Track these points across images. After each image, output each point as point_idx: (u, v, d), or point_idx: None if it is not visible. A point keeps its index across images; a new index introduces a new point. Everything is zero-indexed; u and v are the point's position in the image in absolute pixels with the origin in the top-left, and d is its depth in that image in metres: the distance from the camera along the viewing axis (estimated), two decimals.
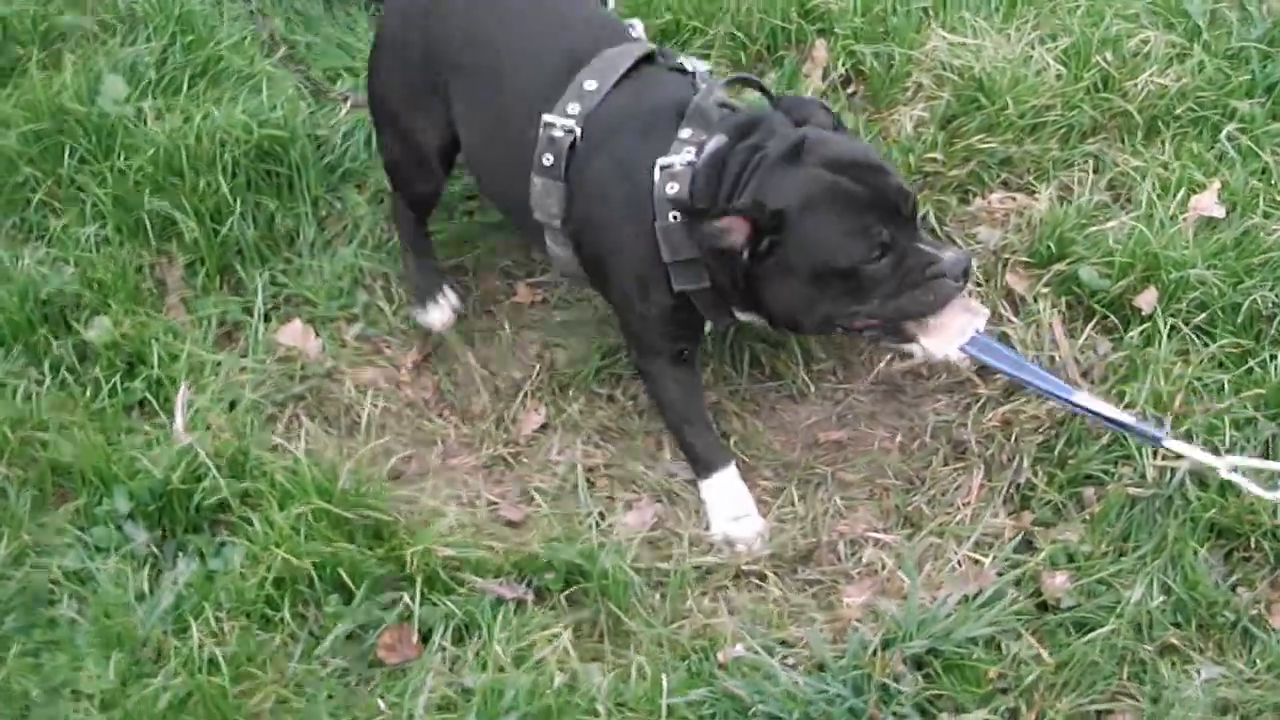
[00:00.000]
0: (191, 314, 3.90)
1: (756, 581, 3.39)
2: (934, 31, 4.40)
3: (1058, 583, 3.28)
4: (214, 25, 4.38)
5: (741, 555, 3.42)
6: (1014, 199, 4.09)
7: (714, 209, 3.18)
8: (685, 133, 3.31)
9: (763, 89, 3.58)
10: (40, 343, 3.73)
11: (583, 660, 3.16)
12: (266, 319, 3.91)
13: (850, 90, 4.41)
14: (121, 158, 3.99)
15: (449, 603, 3.22)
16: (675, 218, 3.25)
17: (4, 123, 4.08)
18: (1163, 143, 4.12)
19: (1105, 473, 3.45)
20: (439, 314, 3.89)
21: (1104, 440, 3.47)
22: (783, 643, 3.21)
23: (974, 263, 3.30)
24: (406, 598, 3.21)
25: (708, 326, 3.59)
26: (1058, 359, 3.70)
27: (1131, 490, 3.38)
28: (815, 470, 3.66)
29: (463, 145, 3.67)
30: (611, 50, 3.48)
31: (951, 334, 3.27)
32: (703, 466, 3.55)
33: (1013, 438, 3.56)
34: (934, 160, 4.15)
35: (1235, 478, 3.19)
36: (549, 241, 3.55)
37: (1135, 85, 4.22)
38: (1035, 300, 3.80)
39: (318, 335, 3.92)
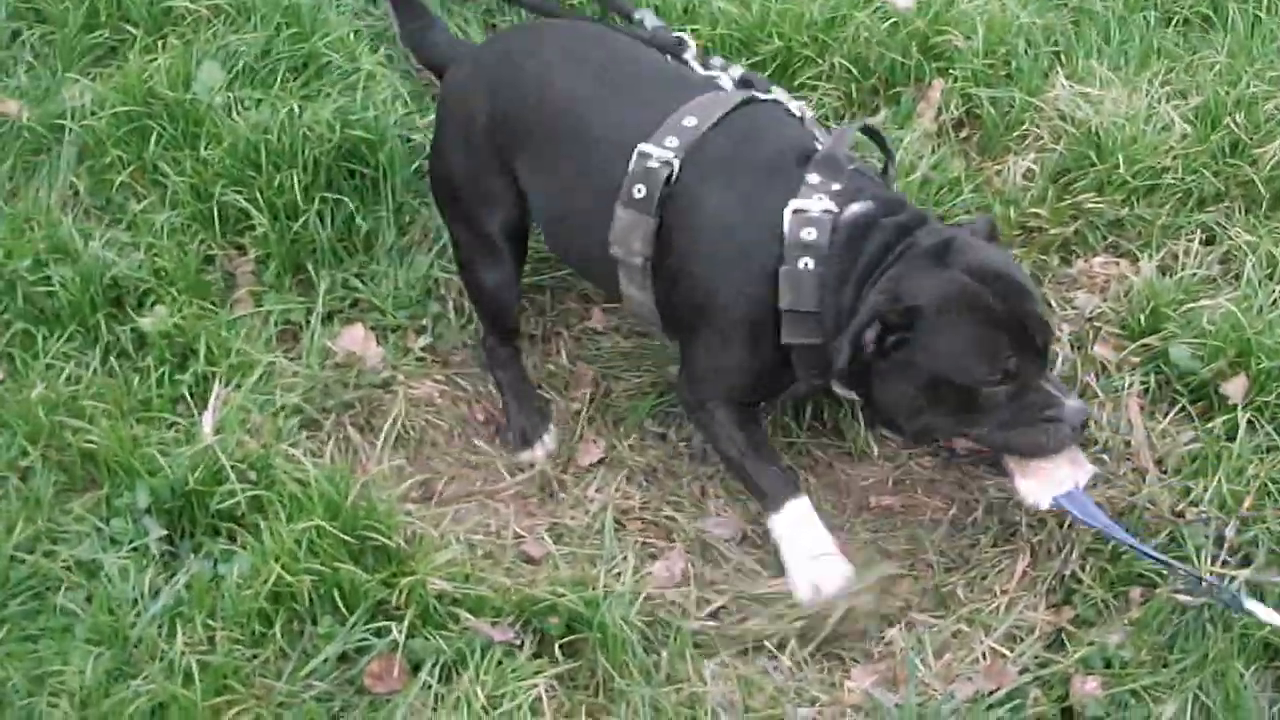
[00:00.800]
0: (257, 310, 3.85)
1: (773, 650, 3.20)
2: (1058, 79, 4.15)
3: (1088, 689, 3.04)
4: (321, 18, 4.33)
5: (820, 605, 3.22)
6: (1116, 264, 3.82)
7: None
8: (814, 178, 3.15)
9: (883, 143, 3.42)
10: (97, 326, 3.72)
11: (559, 715, 3.02)
12: (330, 322, 3.85)
13: (961, 134, 4.17)
14: (204, 146, 3.97)
15: (440, 638, 3.11)
16: (806, 265, 3.09)
17: (100, 103, 4.09)
18: None
19: (1158, 574, 3.18)
20: (540, 453, 3.67)
21: (1161, 538, 3.20)
22: None
23: (1090, 411, 3.16)
24: (395, 628, 3.10)
25: (793, 385, 3.36)
26: (1132, 442, 3.43)
27: (1181, 597, 3.11)
28: (858, 536, 3.45)
29: (533, 205, 3.52)
30: (710, 94, 3.34)
31: (1051, 482, 3.08)
32: (770, 500, 3.30)
33: (1066, 524, 3.31)
34: (1038, 216, 3.90)
35: None
36: (624, 280, 3.35)
37: (1266, 153, 3.91)
38: (1119, 372, 3.54)
39: (380, 343, 3.84)
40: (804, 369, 3.22)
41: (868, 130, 3.45)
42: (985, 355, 2.98)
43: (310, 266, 3.93)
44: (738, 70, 3.51)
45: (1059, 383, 3.11)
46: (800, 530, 3.27)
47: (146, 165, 4.03)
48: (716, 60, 3.57)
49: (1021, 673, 3.08)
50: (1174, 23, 4.41)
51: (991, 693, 3.02)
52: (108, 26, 4.31)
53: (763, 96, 3.37)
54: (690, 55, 3.57)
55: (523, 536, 3.47)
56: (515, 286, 3.68)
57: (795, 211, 3.10)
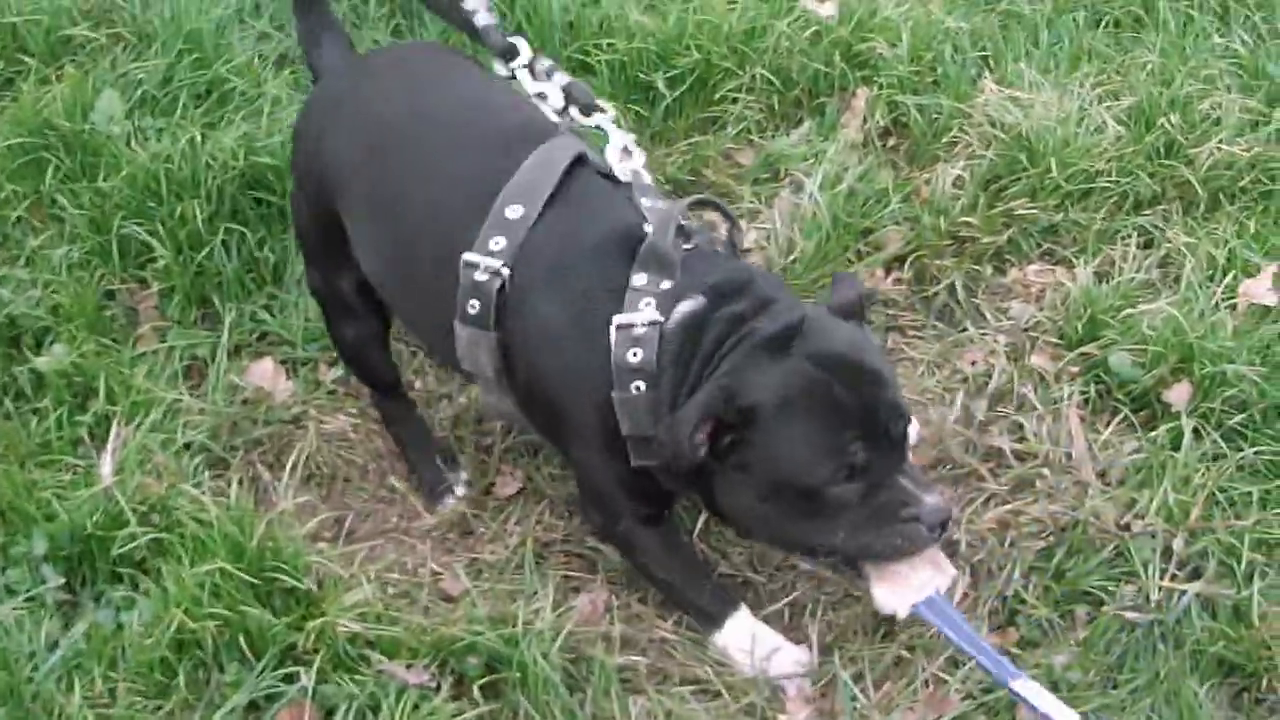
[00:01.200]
0: (160, 345, 3.68)
1: (702, 688, 3.04)
2: (987, 84, 4.04)
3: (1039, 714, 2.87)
4: (224, 43, 4.18)
5: (789, 694, 3.03)
6: (1052, 272, 3.71)
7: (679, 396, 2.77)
8: (639, 279, 2.80)
9: (728, 215, 3.04)
10: None
11: None
12: (238, 356, 3.69)
13: (888, 144, 4.05)
14: (103, 177, 3.81)
15: (353, 682, 2.93)
16: (638, 389, 2.78)
17: None
18: (1224, 218, 3.69)
19: (1104, 589, 3.05)
20: (453, 502, 3.46)
21: (1107, 552, 3.07)
22: None
23: (950, 511, 2.81)
24: (304, 674, 2.93)
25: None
26: (1073, 454, 3.30)
27: (1130, 614, 2.99)
28: (790, 562, 3.30)
29: (373, 281, 3.19)
30: (530, 161, 2.92)
31: (909, 588, 2.80)
32: (710, 620, 3.09)
33: (1007, 542, 3.17)
34: (969, 225, 3.78)
35: None
36: (482, 391, 3.12)
37: (1201, 153, 3.82)
38: (1058, 382, 3.42)
39: (290, 377, 3.68)
40: (669, 484, 2.93)
41: (703, 203, 3.09)
42: (828, 452, 2.67)
43: (216, 299, 3.77)
44: (564, 78, 3.17)
45: (919, 475, 2.80)
46: (744, 640, 3.06)
47: (44, 199, 3.87)
48: (544, 63, 3.19)
49: (965, 699, 2.92)
50: (1104, 24, 4.34)
51: None
52: (2, 58, 4.16)
53: (589, 157, 2.98)
54: (522, 61, 3.20)
55: (440, 574, 3.30)
56: (380, 339, 3.42)
57: (619, 328, 2.78)
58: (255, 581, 3.02)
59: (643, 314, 2.78)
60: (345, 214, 3.13)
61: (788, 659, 3.05)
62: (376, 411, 3.57)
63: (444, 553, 3.36)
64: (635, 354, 2.77)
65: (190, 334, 3.71)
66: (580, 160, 2.94)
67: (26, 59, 4.16)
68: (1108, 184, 3.80)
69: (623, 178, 2.97)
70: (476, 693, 2.94)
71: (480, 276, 2.86)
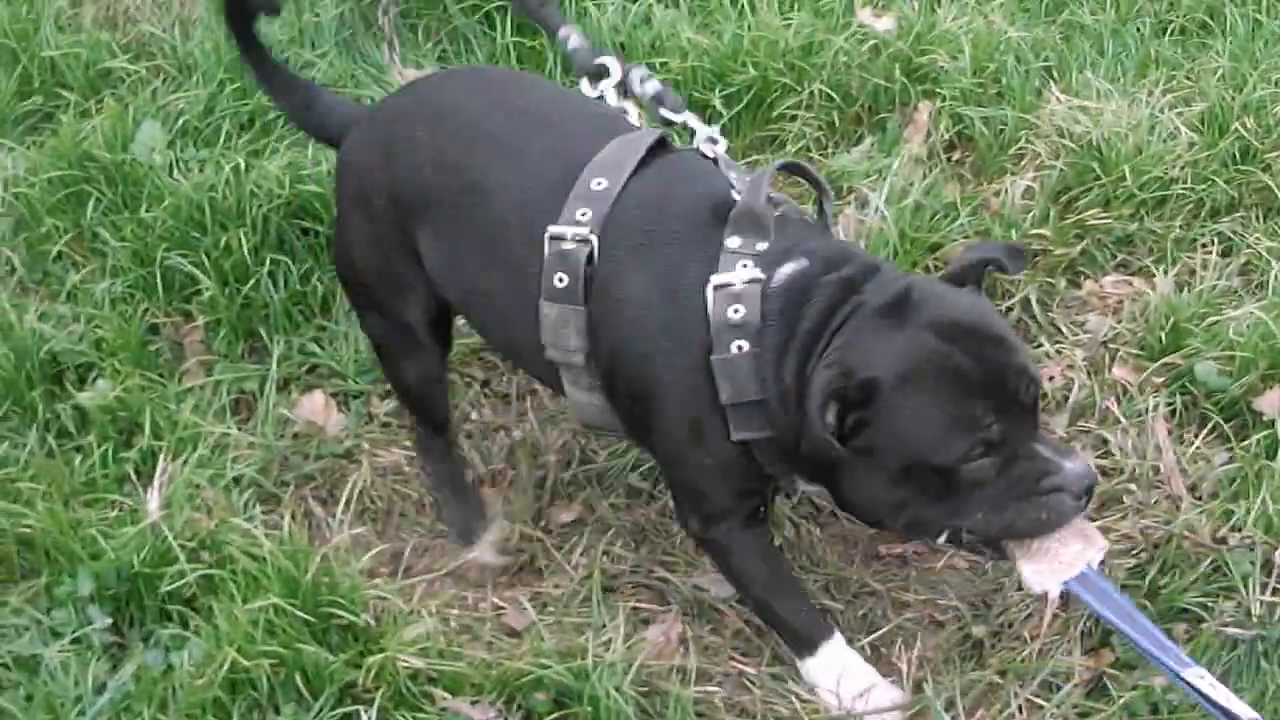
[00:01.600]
0: (207, 380, 3.57)
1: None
2: (1052, 94, 3.91)
3: None
4: None
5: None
6: (1129, 283, 3.57)
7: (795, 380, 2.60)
8: (734, 241, 2.68)
9: (815, 180, 2.90)
10: (34, 404, 3.45)
11: None
12: (287, 390, 3.58)
13: (953, 157, 3.92)
14: (145, 209, 3.72)
15: None
16: (740, 348, 2.62)
17: (32, 170, 3.84)
18: None
19: (1203, 606, 2.89)
20: (488, 553, 3.29)
21: (1203, 567, 2.91)
22: None
23: (1095, 475, 2.66)
24: (364, 713, 2.79)
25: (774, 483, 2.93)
26: (1162, 468, 3.15)
27: (1232, 630, 2.82)
28: (869, 587, 3.15)
29: (451, 292, 3.04)
30: (615, 142, 2.83)
31: (1060, 564, 2.62)
32: (803, 644, 2.92)
33: (1098, 560, 3.01)
34: (1042, 237, 3.65)
35: None
36: (568, 385, 2.90)
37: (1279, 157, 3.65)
38: (1142, 394, 3.27)
39: (341, 411, 3.56)
40: (770, 465, 2.75)
41: (791, 167, 2.96)
42: (961, 427, 2.51)
43: (263, 332, 3.66)
44: (654, 85, 3.06)
45: (1055, 443, 2.66)
46: (837, 672, 2.91)
47: (85, 232, 3.79)
48: (638, 72, 3.08)
49: None
50: (1169, 31, 4.21)
51: None
52: (41, 92, 4.10)
53: (664, 134, 2.89)
54: (612, 82, 3.10)
55: (503, 608, 3.17)
56: (443, 377, 3.29)
57: (717, 287, 2.64)
58: (310, 618, 2.89)
59: (742, 273, 2.64)
60: (422, 229, 2.98)
61: (882, 698, 2.89)
62: (416, 448, 3.43)
63: (506, 587, 3.24)
64: (737, 310, 2.62)
65: (237, 368, 3.60)
66: (663, 142, 2.86)
67: (65, 93, 4.09)
68: (1183, 191, 3.66)
69: (710, 155, 2.89)
70: None
71: (568, 246, 2.74)
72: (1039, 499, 2.55)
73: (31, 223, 3.82)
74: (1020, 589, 3.05)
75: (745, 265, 2.65)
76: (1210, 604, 2.89)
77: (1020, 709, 2.81)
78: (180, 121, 3.96)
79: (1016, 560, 2.63)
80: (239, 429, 3.45)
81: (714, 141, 2.91)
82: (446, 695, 2.83)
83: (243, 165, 3.75)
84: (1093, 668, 2.87)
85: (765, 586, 2.94)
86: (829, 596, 3.16)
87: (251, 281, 3.65)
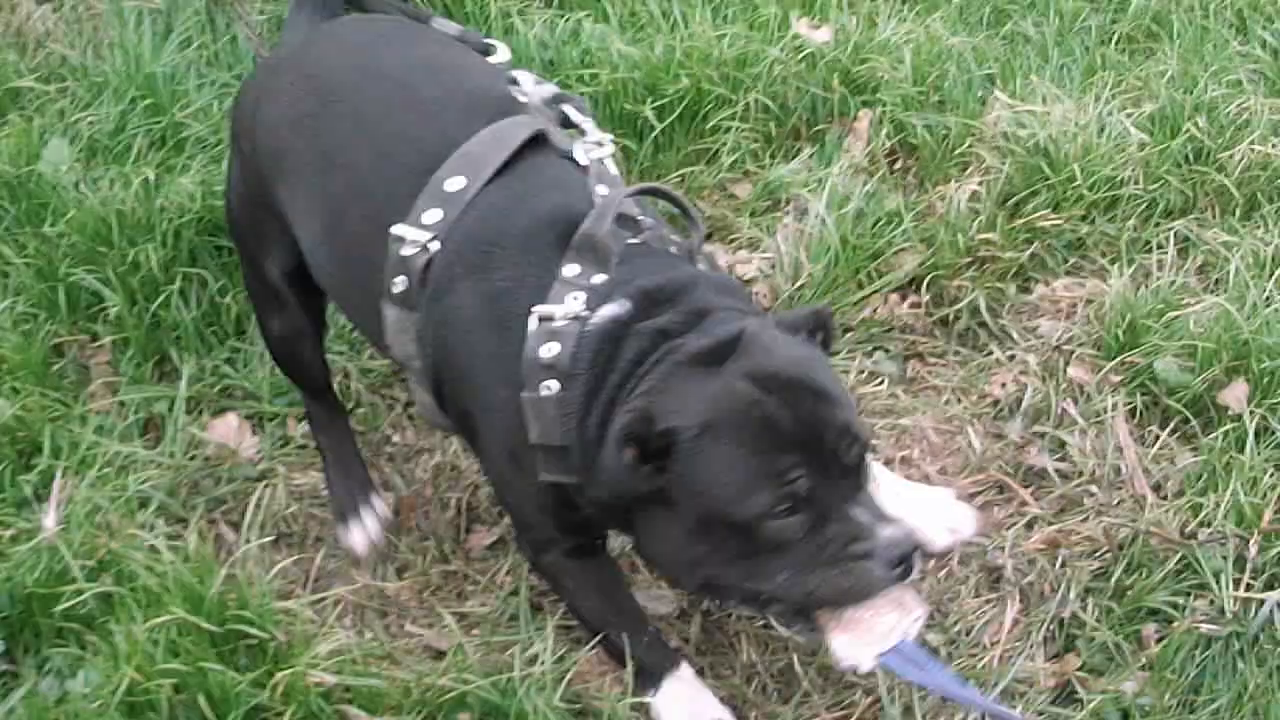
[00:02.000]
0: (113, 399, 3.35)
1: None
2: (997, 101, 3.78)
3: None
4: (180, 89, 3.91)
5: None
6: (1082, 285, 3.42)
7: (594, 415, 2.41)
8: (571, 270, 2.48)
9: (682, 207, 2.67)
10: None
11: None
12: (199, 413, 3.36)
13: (895, 165, 3.78)
14: (49, 224, 3.51)
15: None
16: (548, 389, 2.43)
17: None
18: (1263, 218, 3.41)
19: (1173, 605, 2.71)
20: (360, 535, 3.06)
21: (1172, 565, 2.74)
22: None
23: (918, 554, 2.38)
24: None
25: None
26: (1124, 468, 2.99)
27: (1205, 627, 2.64)
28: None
29: (309, 257, 2.85)
30: (486, 132, 2.61)
31: (872, 636, 2.39)
32: (646, 677, 2.70)
33: (1058, 563, 2.84)
34: (989, 243, 3.50)
35: None
36: (412, 383, 2.76)
37: (1234, 155, 3.54)
38: (1100, 394, 3.11)
39: (256, 433, 3.35)
40: (587, 508, 2.54)
41: (650, 190, 2.75)
42: (762, 479, 2.29)
43: (174, 353, 3.44)
44: (550, 87, 2.81)
45: (876, 508, 2.37)
46: (683, 705, 2.71)
47: None
48: (530, 77, 2.82)
49: None
50: (1116, 39, 4.09)
51: None
52: None
53: (542, 130, 2.66)
54: (500, 59, 2.91)
55: (423, 630, 2.95)
56: (310, 338, 3.08)
57: (540, 319, 2.45)
58: (216, 634, 2.67)
59: (566, 307, 2.44)
60: (281, 185, 2.80)
61: None
62: (307, 419, 3.25)
63: (426, 609, 3.02)
64: (550, 349, 2.42)
65: (145, 389, 3.39)
66: (540, 139, 2.62)
67: None
68: (1135, 192, 3.54)
69: (584, 162, 2.63)
70: None
71: (407, 251, 2.55)
72: (847, 565, 2.31)
73: None
74: (977, 595, 2.89)
75: (576, 297, 2.45)
76: (1181, 602, 2.71)
77: (983, 717, 2.60)
78: (89, 139, 3.76)
79: (826, 632, 2.40)
80: (146, 450, 3.23)
81: (600, 145, 2.68)
82: (361, 714, 2.61)
83: (153, 179, 3.56)
84: (1058, 673, 2.68)
85: (599, 618, 2.74)
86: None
87: (161, 299, 3.44)
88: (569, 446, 2.42)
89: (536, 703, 2.60)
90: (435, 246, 2.53)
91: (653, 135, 3.80)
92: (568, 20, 4.06)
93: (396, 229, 2.55)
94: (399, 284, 2.57)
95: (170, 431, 3.27)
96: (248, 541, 2.91)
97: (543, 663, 2.70)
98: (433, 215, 2.55)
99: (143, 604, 2.73)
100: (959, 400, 3.32)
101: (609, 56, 3.89)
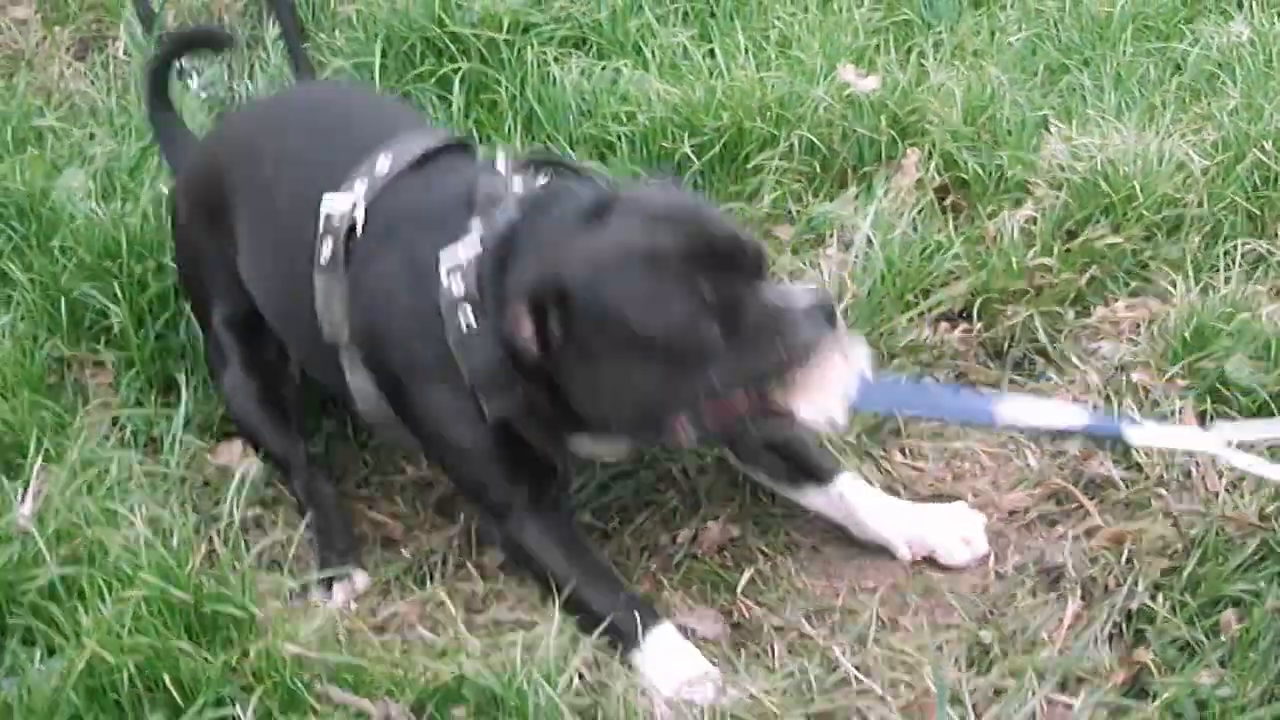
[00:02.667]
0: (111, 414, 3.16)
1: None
2: (1052, 135, 3.61)
3: None
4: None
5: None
6: (1146, 306, 3.18)
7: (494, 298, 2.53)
8: (475, 223, 2.61)
9: (572, 168, 2.86)
10: None
11: None
12: (204, 438, 3.17)
13: (945, 201, 3.59)
14: (55, 240, 3.38)
15: None
16: (468, 326, 2.53)
17: None
18: None
19: (1253, 594, 2.41)
20: (340, 595, 2.85)
21: (1250, 551, 2.45)
22: None
23: (835, 303, 2.48)
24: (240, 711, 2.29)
25: (559, 470, 2.75)
26: (1194, 470, 2.72)
27: None
28: (857, 615, 2.67)
29: (254, 292, 3.02)
30: (419, 133, 2.88)
31: (830, 389, 2.40)
32: (626, 637, 2.55)
33: (1124, 557, 2.55)
34: (1045, 268, 3.28)
35: (1235, 456, 2.38)
36: (349, 373, 2.79)
37: None
38: (1167, 398, 2.86)
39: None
40: (536, 441, 2.64)
41: (548, 161, 2.87)
42: (669, 293, 2.38)
43: (180, 377, 3.24)
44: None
45: (779, 286, 2.50)
46: (667, 662, 2.52)
47: None
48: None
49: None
50: (1176, 87, 3.89)
51: None
52: None
53: (466, 141, 2.98)
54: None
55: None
56: (256, 394, 3.11)
57: (447, 268, 2.58)
58: (190, 611, 2.42)
59: (466, 246, 2.58)
60: (233, 234, 3.01)
61: (710, 690, 2.45)
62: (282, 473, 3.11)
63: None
64: (458, 285, 2.55)
65: (146, 412, 3.19)
66: (464, 146, 2.90)
67: None
68: (1199, 213, 3.32)
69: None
70: None
71: (335, 216, 2.72)
72: (775, 337, 2.37)
73: None
74: (1035, 596, 2.60)
75: (475, 238, 2.59)
76: (1261, 589, 2.41)
77: (1042, 705, 2.30)
78: (106, 173, 3.65)
79: (791, 411, 2.40)
80: (141, 464, 3.01)
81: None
82: (344, 692, 2.34)
83: (165, 196, 3.42)
84: (1127, 660, 2.38)
85: (566, 574, 2.62)
86: (810, 625, 2.68)
87: (166, 316, 3.28)
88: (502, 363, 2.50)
89: (540, 693, 2.32)
90: (359, 214, 2.70)
91: (690, 173, 3.64)
92: (605, 68, 3.94)
93: (327, 197, 2.73)
94: (327, 250, 2.70)
95: (170, 444, 3.06)
96: (231, 516, 2.65)
97: (546, 649, 2.42)
98: (360, 184, 2.73)
99: (113, 584, 2.49)
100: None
101: (647, 98, 3.76)
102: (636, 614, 2.54)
